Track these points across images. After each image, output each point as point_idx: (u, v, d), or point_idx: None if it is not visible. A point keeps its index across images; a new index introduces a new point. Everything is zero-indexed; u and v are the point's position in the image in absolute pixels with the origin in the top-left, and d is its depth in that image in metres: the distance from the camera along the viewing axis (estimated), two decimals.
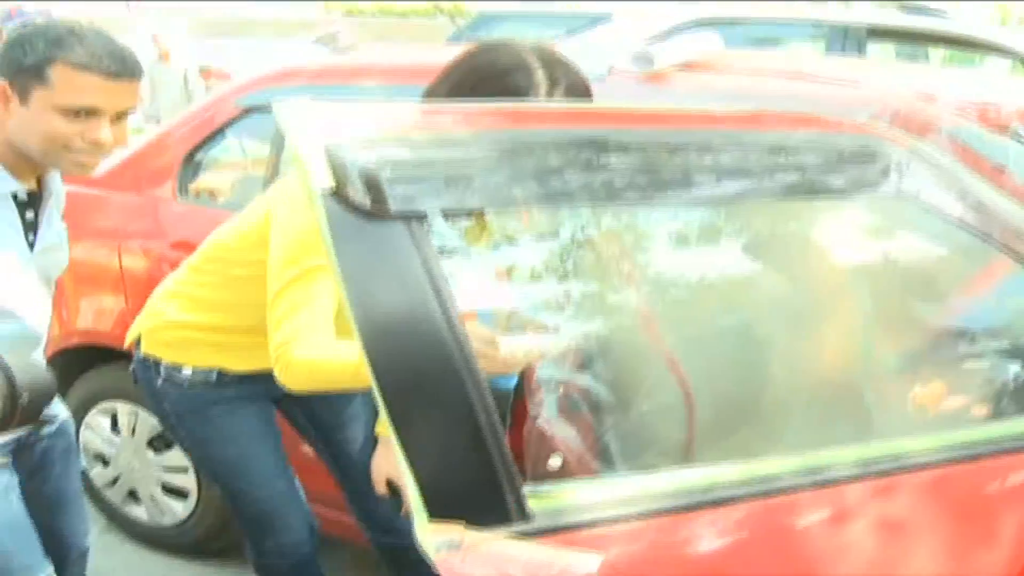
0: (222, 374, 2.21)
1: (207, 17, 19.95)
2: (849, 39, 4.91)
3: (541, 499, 1.34)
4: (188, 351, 2.22)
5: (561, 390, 2.41)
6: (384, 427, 2.23)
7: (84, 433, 3.25)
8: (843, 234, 2.27)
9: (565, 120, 1.48)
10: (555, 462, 1.73)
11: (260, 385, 2.17)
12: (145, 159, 3.21)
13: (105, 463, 3.26)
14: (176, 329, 2.23)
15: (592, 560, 1.30)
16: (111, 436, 3.22)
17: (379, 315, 1.22)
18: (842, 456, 1.58)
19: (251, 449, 2.28)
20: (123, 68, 1.72)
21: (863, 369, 2.16)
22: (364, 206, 1.18)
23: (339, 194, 1.18)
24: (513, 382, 1.84)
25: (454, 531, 1.24)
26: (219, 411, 2.24)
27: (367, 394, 2.17)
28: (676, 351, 2.26)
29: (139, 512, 3.27)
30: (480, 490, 1.27)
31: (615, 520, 1.35)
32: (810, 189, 1.58)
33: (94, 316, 3.19)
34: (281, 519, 2.30)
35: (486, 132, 1.27)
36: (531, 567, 1.27)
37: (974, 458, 1.69)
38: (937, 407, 2.20)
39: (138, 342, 2.29)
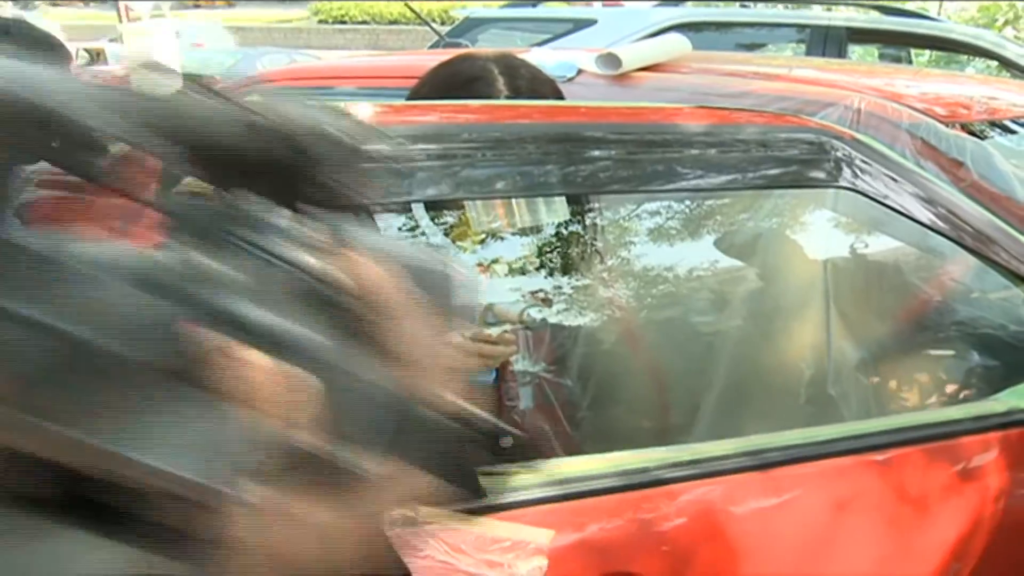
0: None
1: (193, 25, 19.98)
2: (830, 41, 4.97)
3: (494, 478, 1.41)
4: None
5: (534, 381, 2.48)
6: None
7: None
8: (792, 226, 2.35)
9: (498, 115, 1.54)
10: (506, 441, 1.79)
11: None
12: (128, 162, 3.27)
13: None
14: None
15: (543, 534, 1.37)
16: None
17: None
18: (786, 439, 1.65)
19: None
20: None
21: (817, 358, 2.23)
22: None
23: None
24: (492, 376, 1.90)
25: (407, 507, 1.31)
26: None
27: None
28: (636, 340, 2.33)
29: None
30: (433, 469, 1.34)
31: (566, 498, 1.43)
32: (754, 182, 1.65)
33: None
34: None
35: (422, 127, 1.34)
36: (483, 542, 1.34)
37: (928, 440, 1.76)
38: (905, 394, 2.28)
39: None
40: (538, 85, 1.92)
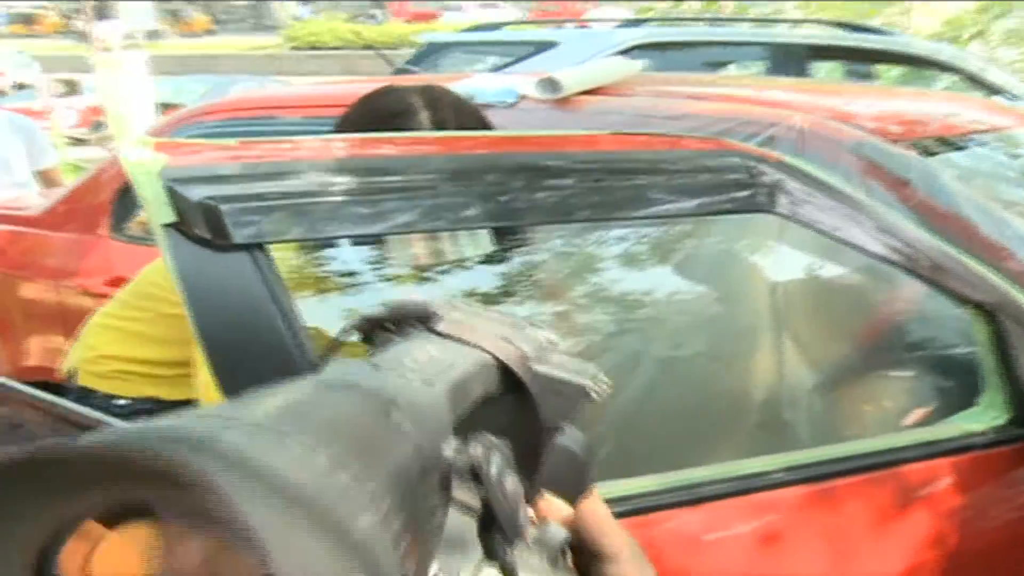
0: (158, 403, 2.22)
1: (169, 54, 20.02)
2: (791, 59, 4.95)
3: None
4: (121, 383, 2.23)
5: None
6: None
7: None
8: (742, 249, 2.31)
9: (420, 147, 1.50)
10: None
11: None
12: (80, 197, 3.23)
13: None
14: (109, 362, 2.24)
15: None
16: None
17: (227, 343, 1.24)
18: (719, 472, 1.60)
19: None
20: None
21: (771, 384, 2.19)
22: (205, 237, 1.20)
23: (181, 227, 1.20)
24: None
25: None
26: None
27: None
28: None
29: None
30: None
31: None
32: (674, 210, 1.61)
33: (41, 353, 3.21)
34: None
35: (331, 162, 1.30)
36: None
37: (879, 468, 1.72)
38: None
39: (73, 374, 2.31)
40: (463, 117, 1.88)
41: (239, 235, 1.20)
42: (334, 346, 0.59)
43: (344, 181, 1.29)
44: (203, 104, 3.16)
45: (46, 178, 4.45)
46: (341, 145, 1.34)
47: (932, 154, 2.29)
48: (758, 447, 1.94)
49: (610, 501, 1.43)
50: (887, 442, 1.81)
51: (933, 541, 1.70)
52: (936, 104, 2.70)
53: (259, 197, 1.23)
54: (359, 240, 1.84)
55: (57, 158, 4.63)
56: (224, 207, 1.20)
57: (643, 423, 2.24)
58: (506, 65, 4.74)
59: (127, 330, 2.22)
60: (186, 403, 2.18)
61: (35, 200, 3.76)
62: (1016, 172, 2.67)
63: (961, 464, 1.75)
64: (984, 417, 1.80)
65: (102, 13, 14.09)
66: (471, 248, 1.82)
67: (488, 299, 2.32)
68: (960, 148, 2.49)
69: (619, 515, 1.42)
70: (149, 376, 2.20)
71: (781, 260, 2.22)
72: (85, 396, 2.26)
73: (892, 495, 1.69)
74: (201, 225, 1.20)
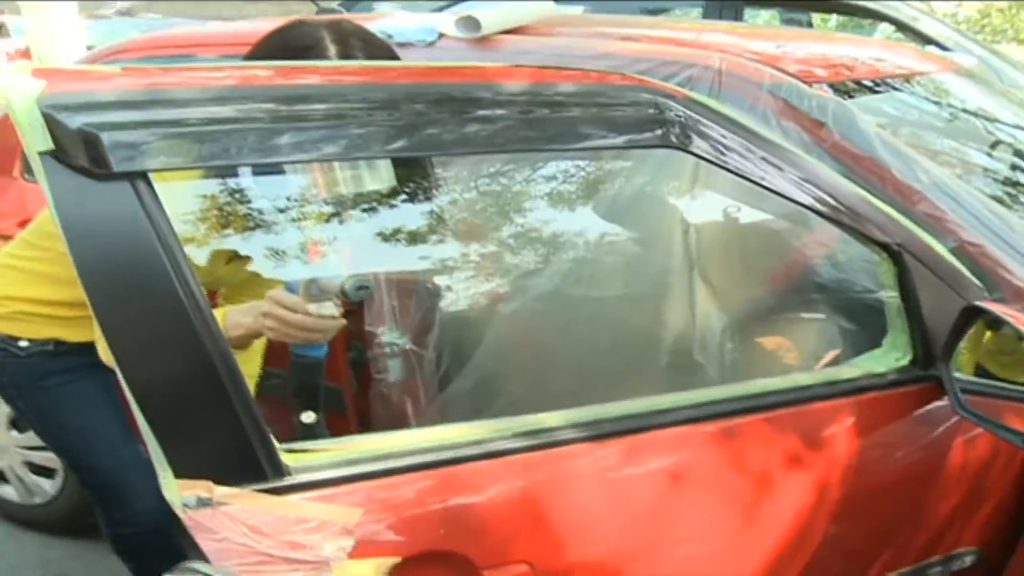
0: (60, 344, 2.19)
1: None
2: (726, 5, 4.93)
3: (300, 456, 1.35)
4: (23, 324, 2.20)
5: (402, 352, 2.43)
6: None
7: None
8: (656, 189, 2.31)
9: (330, 75, 1.47)
10: (307, 418, 1.74)
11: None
12: None
13: None
14: (10, 303, 2.20)
15: (352, 514, 1.32)
16: None
17: (109, 278, 1.22)
18: (621, 409, 1.60)
19: (93, 418, 2.25)
20: None
21: (683, 324, 2.20)
22: (84, 166, 1.17)
23: (59, 155, 1.17)
24: (322, 351, 1.84)
25: (201, 487, 1.24)
26: (58, 380, 2.21)
27: None
28: (500, 309, 2.29)
29: (9, 492, 3.25)
30: (228, 447, 1.27)
31: (378, 475, 1.37)
32: (580, 142, 1.60)
33: None
34: (130, 487, 2.25)
35: (217, 89, 1.27)
36: (286, 523, 1.28)
37: (778, 406, 1.73)
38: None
39: None
40: (372, 51, 1.86)
41: (119, 164, 1.17)
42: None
43: (233, 110, 1.26)
44: (116, 43, 3.08)
45: None
46: (230, 73, 1.32)
47: (853, 97, 2.29)
48: (669, 387, 1.96)
49: (523, 435, 1.44)
50: (790, 381, 1.83)
51: (835, 480, 1.72)
52: (865, 49, 2.71)
53: (141, 125, 1.20)
54: (255, 171, 1.82)
55: None
56: (104, 135, 1.17)
57: (557, 361, 2.25)
58: (443, 7, 4.66)
59: (28, 270, 2.18)
60: (88, 345, 2.16)
61: None
62: (937, 118, 2.68)
63: (863, 404, 1.77)
64: (887, 358, 1.82)
65: None
66: (372, 182, 1.80)
67: (408, 237, 2.31)
68: (884, 92, 2.50)
69: (530, 448, 1.44)
70: (51, 317, 2.17)
71: (696, 202, 2.22)
72: None
73: (795, 434, 1.71)
74: (80, 153, 1.17)
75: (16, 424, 3.10)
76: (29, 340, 2.18)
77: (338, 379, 2.56)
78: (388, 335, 2.47)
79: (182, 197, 1.81)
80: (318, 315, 1.60)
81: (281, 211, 1.93)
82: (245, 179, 1.86)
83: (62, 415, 2.24)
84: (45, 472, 3.14)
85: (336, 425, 2.00)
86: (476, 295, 2.42)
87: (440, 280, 2.45)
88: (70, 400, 2.23)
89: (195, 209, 1.87)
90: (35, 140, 1.16)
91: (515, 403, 2.17)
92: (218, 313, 1.72)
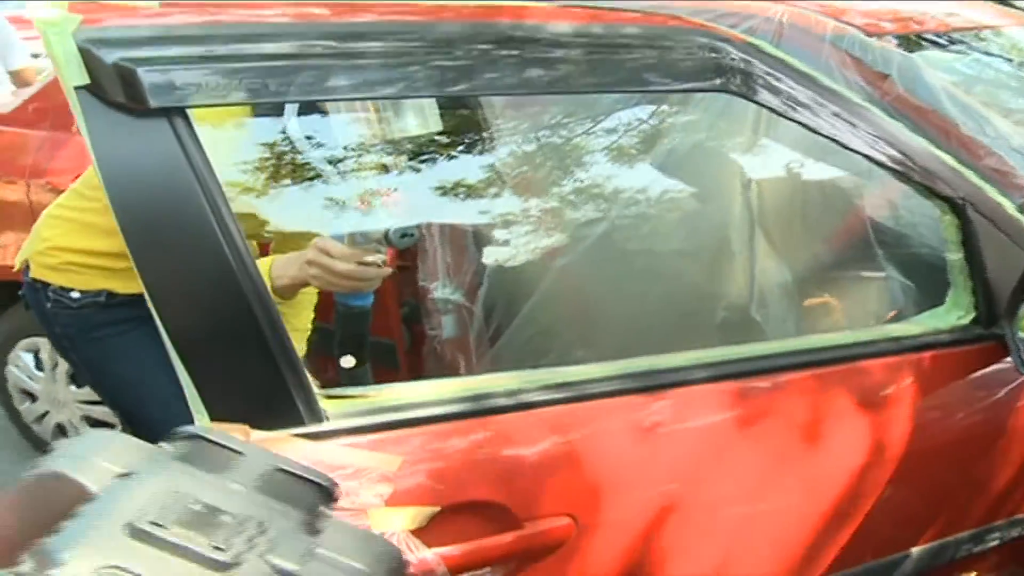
0: (111, 295, 2.19)
1: None
2: None
3: (340, 402, 1.33)
4: (74, 275, 2.20)
5: (456, 308, 2.41)
6: None
7: (10, 370, 3.26)
8: (719, 142, 2.26)
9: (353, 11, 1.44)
10: (347, 362, 1.72)
11: None
12: (52, 94, 3.17)
13: (33, 399, 3.27)
14: (61, 253, 2.21)
15: (391, 461, 1.29)
16: (35, 372, 3.23)
17: (145, 218, 1.20)
18: (675, 360, 1.56)
19: (145, 371, 2.23)
20: None
21: (742, 280, 2.15)
22: (121, 102, 1.15)
23: (96, 90, 1.15)
24: (369, 300, 1.82)
25: (238, 430, 1.23)
26: (110, 332, 2.21)
27: None
28: (556, 263, 2.26)
29: None
30: (264, 391, 1.26)
31: (419, 422, 1.34)
32: (634, 83, 1.55)
33: (8, 253, 3.17)
34: None
35: (257, 26, 1.24)
36: (322, 468, 1.25)
37: (841, 361, 1.68)
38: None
39: (27, 267, 2.28)
40: None
41: (156, 100, 1.15)
42: None
43: (275, 47, 1.23)
44: None
45: (20, 78, 4.37)
46: (275, 11, 1.29)
47: (920, 50, 2.22)
48: (724, 344, 1.91)
49: (568, 385, 1.40)
50: (845, 338, 1.77)
51: (890, 440, 1.67)
52: (937, 4, 2.62)
53: (180, 61, 1.17)
54: (303, 117, 1.79)
55: (30, 58, 4.55)
56: (140, 69, 1.15)
57: (610, 316, 2.21)
58: None
59: (79, 221, 2.18)
60: (139, 296, 2.16)
61: (7, 99, 3.70)
62: (1012, 77, 2.60)
63: (923, 363, 1.72)
64: (949, 317, 1.76)
65: None
66: (417, 127, 1.77)
67: (463, 190, 2.28)
68: (957, 47, 2.42)
69: (576, 399, 1.40)
70: (102, 268, 2.16)
71: (756, 156, 2.17)
72: (37, 288, 2.23)
73: (850, 392, 1.66)
74: (116, 89, 1.15)
75: (75, 379, 3.14)
76: (81, 291, 2.19)
77: (391, 334, 2.55)
78: (442, 291, 2.45)
79: (232, 144, 1.80)
80: (363, 263, 1.57)
81: (331, 162, 1.91)
82: (292, 126, 1.84)
83: (113, 366, 2.24)
84: (104, 427, 3.17)
85: (389, 381, 1.98)
86: (530, 249, 2.39)
87: (494, 234, 2.43)
88: (121, 352, 2.23)
89: (246, 157, 1.85)
90: (71, 75, 1.15)
91: (566, 359, 2.15)
92: (264, 262, 1.71)
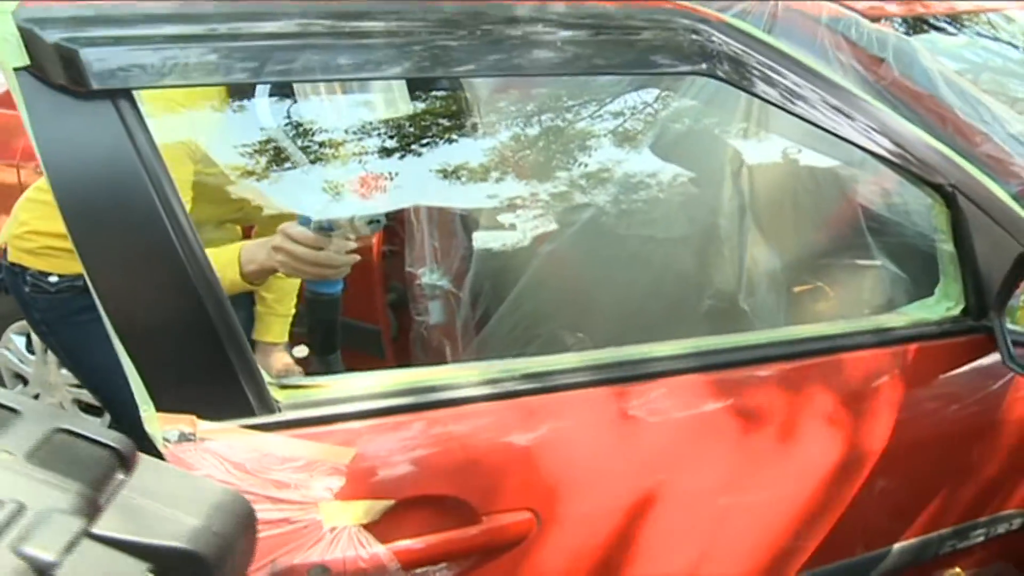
0: None
1: None
2: None
3: (293, 392, 1.29)
4: (52, 259, 2.18)
5: (442, 294, 2.38)
6: (261, 333, 2.19)
7: (1, 353, 3.24)
8: (710, 127, 2.22)
9: None
10: (299, 352, 1.69)
11: None
12: None
13: (24, 382, 3.26)
14: (39, 238, 2.18)
15: (344, 453, 1.26)
16: (26, 355, 3.21)
17: (88, 202, 1.17)
18: (650, 351, 1.52)
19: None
20: None
21: (730, 269, 2.11)
22: (61, 83, 1.12)
23: (36, 72, 1.12)
24: (338, 288, 1.78)
25: (184, 421, 1.20)
26: (88, 316, 2.17)
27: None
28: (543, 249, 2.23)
29: None
30: (213, 381, 1.22)
31: (373, 413, 1.31)
32: (608, 66, 1.51)
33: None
34: None
35: (206, 6, 1.20)
36: (271, 460, 1.23)
37: (825, 353, 1.64)
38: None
39: (5, 251, 2.25)
40: None
41: (99, 81, 1.12)
42: None
43: (223, 28, 1.20)
44: None
45: None
46: None
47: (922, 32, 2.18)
48: (710, 332, 1.87)
49: (531, 376, 1.36)
50: (832, 328, 1.73)
51: (876, 432, 1.63)
52: None
53: (123, 41, 1.14)
54: (269, 92, 1.75)
55: None
56: (83, 50, 1.11)
57: (597, 302, 2.18)
58: None
59: (56, 204, 2.15)
60: None
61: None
62: (1016, 62, 2.55)
63: (910, 355, 1.67)
64: (938, 307, 1.72)
65: None
66: (386, 110, 1.73)
67: (452, 174, 2.25)
68: (964, 31, 2.37)
69: (538, 391, 1.36)
70: None
71: (748, 141, 2.12)
72: (15, 272, 2.21)
73: (835, 383, 1.62)
74: (57, 70, 1.11)
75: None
76: (59, 276, 2.16)
77: (376, 320, 2.52)
78: (429, 276, 2.42)
79: (205, 127, 1.77)
80: (324, 249, 1.54)
81: (303, 146, 1.88)
82: (262, 108, 1.80)
83: (91, 351, 2.21)
84: (95, 410, 3.16)
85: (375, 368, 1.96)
86: (517, 235, 2.36)
87: (483, 218, 2.39)
88: (99, 336, 2.19)
89: (220, 140, 1.82)
90: (10, 55, 1.11)
91: (553, 345, 2.11)
92: (233, 248, 1.68)
